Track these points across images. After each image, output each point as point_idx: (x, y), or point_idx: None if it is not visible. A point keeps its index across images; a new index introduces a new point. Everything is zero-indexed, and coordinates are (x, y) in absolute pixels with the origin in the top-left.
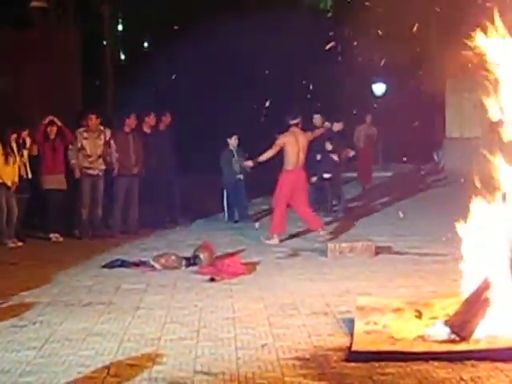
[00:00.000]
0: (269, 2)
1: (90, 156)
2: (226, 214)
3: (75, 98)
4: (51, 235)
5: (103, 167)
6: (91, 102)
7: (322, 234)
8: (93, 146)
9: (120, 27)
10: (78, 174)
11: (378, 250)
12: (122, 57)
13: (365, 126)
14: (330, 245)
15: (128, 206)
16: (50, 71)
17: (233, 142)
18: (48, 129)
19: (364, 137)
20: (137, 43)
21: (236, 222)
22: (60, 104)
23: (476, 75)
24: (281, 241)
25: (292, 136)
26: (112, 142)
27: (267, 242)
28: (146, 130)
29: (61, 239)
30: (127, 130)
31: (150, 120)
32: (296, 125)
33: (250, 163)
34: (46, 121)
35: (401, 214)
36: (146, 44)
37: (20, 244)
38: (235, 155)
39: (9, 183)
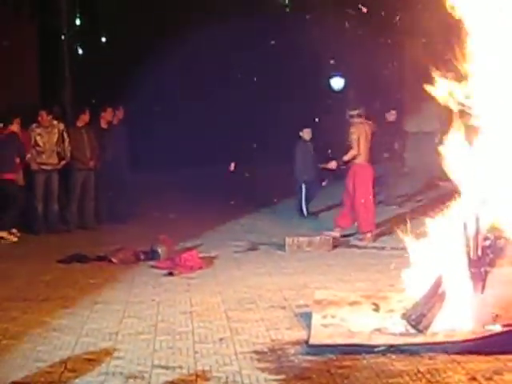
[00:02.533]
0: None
1: (43, 151)
2: (305, 209)
3: (32, 94)
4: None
5: (57, 162)
6: (49, 96)
7: (366, 236)
8: (46, 141)
9: (78, 22)
10: (34, 167)
11: (336, 244)
12: (80, 51)
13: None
14: (288, 239)
15: (84, 200)
16: (5, 67)
17: (305, 134)
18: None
19: None
20: (95, 38)
21: (310, 215)
22: (17, 99)
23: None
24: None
25: (362, 128)
26: (65, 135)
27: (362, 243)
28: (103, 124)
29: (18, 234)
30: (80, 124)
31: (107, 115)
32: (360, 115)
33: (333, 164)
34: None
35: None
36: (103, 39)
37: None
38: (310, 148)
39: None
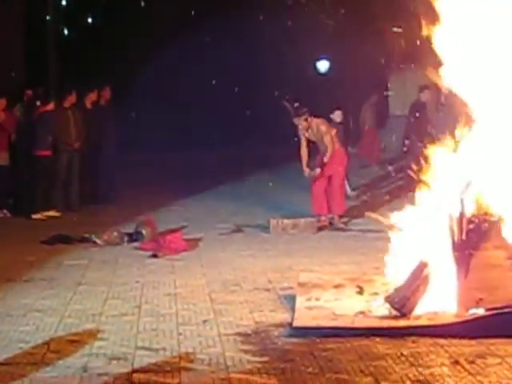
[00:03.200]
0: None
1: None
2: (349, 188)
3: (19, 73)
4: None
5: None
6: (35, 77)
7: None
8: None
9: (64, 2)
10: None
11: (321, 227)
12: (66, 32)
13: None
14: (273, 221)
15: (69, 181)
16: None
17: (336, 116)
18: None
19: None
20: (81, 19)
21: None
22: (3, 80)
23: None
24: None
25: (323, 123)
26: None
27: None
28: (88, 105)
29: (8, 215)
30: (66, 105)
31: (93, 95)
32: (306, 119)
33: (318, 171)
34: None
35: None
36: (90, 20)
37: None
38: (341, 131)
39: None
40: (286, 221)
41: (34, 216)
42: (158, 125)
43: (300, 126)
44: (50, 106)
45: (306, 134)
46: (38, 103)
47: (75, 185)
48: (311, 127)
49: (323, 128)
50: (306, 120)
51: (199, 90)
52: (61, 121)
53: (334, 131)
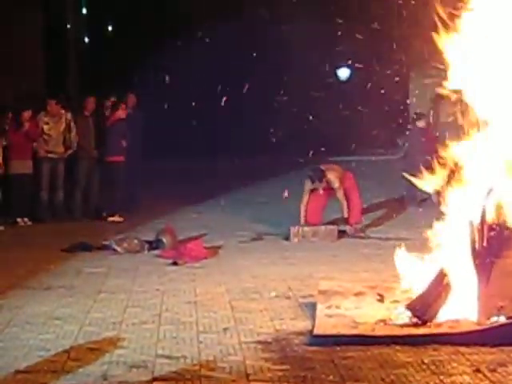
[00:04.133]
0: None
1: (50, 140)
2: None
3: (37, 82)
4: (18, 219)
5: (64, 151)
6: (55, 85)
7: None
8: (53, 130)
9: (84, 11)
10: (41, 154)
11: (341, 234)
12: (86, 40)
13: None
14: (293, 229)
15: (89, 189)
16: (11, 55)
17: (420, 122)
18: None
19: None
20: (101, 27)
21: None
22: (23, 87)
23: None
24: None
25: None
26: (72, 125)
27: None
28: (107, 113)
29: (29, 223)
30: (87, 113)
31: (111, 103)
32: None
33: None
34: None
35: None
36: (110, 28)
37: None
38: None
39: None
40: (306, 228)
41: (110, 219)
42: (178, 132)
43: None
44: (122, 115)
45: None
46: (107, 112)
47: (95, 192)
48: (328, 182)
49: (336, 185)
50: (325, 181)
51: (221, 99)
52: (81, 128)
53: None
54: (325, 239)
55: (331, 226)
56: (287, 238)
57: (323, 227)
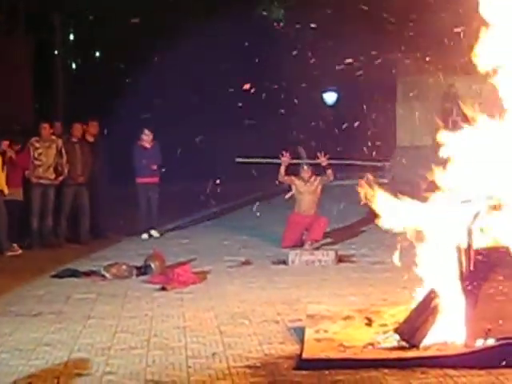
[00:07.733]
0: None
1: (41, 166)
2: None
3: (27, 109)
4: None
5: (55, 177)
6: (43, 111)
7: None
8: (45, 155)
9: (72, 37)
10: (33, 180)
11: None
12: (74, 66)
13: None
14: (292, 252)
15: (79, 215)
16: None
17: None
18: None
19: None
20: (88, 53)
21: None
22: (11, 114)
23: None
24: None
25: None
26: (63, 151)
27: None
28: (89, 138)
29: (19, 251)
30: (75, 139)
31: (91, 128)
32: None
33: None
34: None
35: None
36: (97, 54)
37: None
38: None
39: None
40: (305, 252)
41: (143, 236)
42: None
43: (303, 174)
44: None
45: (296, 182)
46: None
47: (85, 218)
48: (310, 181)
49: (319, 190)
50: (312, 175)
51: (215, 120)
52: (68, 154)
53: None
54: (325, 262)
55: (331, 251)
56: (275, 262)
57: (322, 251)
